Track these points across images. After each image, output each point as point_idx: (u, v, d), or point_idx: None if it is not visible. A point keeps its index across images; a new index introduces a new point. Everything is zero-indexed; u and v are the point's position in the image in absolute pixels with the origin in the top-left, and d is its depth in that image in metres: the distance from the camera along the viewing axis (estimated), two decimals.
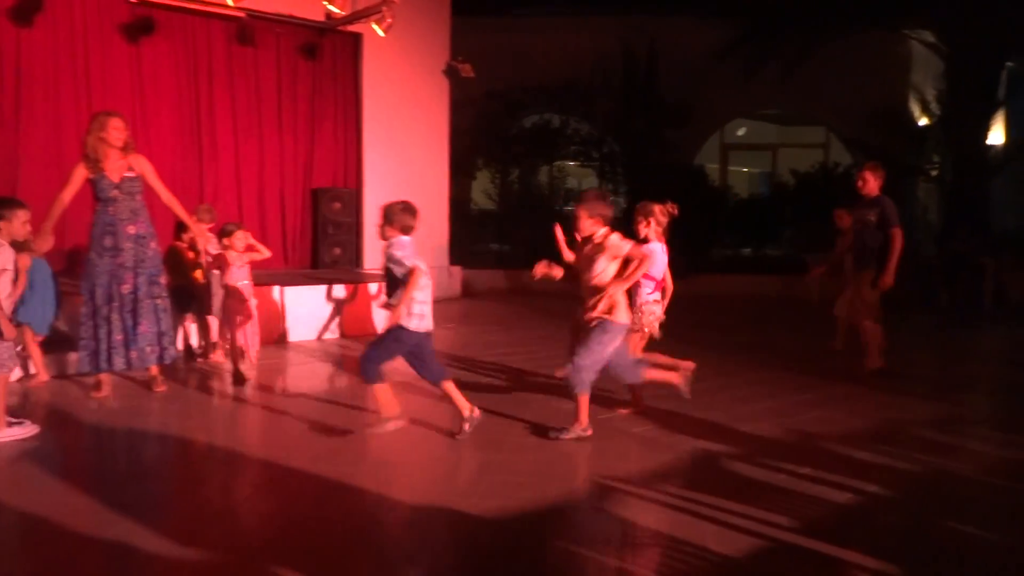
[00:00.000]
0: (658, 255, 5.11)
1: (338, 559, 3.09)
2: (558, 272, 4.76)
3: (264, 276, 7.50)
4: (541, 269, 4.78)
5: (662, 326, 5.24)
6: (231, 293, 5.94)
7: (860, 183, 6.52)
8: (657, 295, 5.20)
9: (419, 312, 4.50)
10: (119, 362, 5.31)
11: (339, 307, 8.17)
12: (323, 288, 8.12)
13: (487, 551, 3.23)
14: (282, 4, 9.49)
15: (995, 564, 3.19)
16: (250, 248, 6.10)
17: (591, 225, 4.62)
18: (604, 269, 4.56)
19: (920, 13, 13.62)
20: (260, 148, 9.96)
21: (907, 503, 3.80)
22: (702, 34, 14.27)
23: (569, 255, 4.90)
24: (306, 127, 10.34)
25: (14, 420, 4.48)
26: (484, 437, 4.70)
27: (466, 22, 12.02)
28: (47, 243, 5.14)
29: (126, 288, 5.28)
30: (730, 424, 5.02)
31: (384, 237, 4.64)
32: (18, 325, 5.03)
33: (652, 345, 5.25)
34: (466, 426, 4.60)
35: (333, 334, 8.07)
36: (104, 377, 5.45)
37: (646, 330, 5.14)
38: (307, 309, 7.95)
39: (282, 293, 7.79)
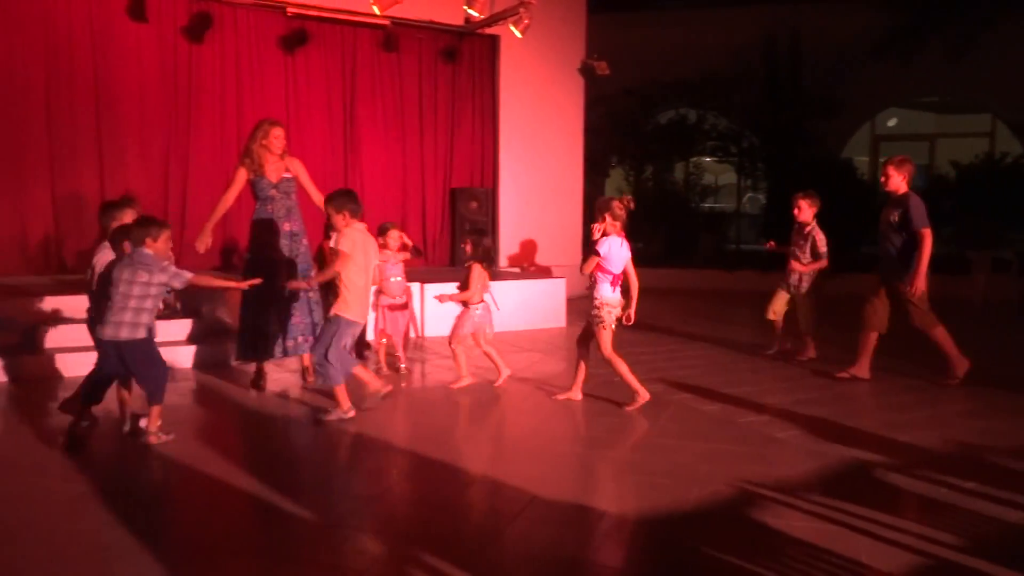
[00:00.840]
0: (615, 250, 5.10)
1: (477, 549, 3.16)
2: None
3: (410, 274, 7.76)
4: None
5: (625, 320, 5.19)
6: (384, 289, 6.20)
7: (883, 179, 6.05)
8: (617, 290, 5.19)
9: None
10: (275, 351, 5.67)
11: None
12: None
13: (621, 552, 3.21)
14: (424, 10, 9.80)
15: None
16: (404, 247, 6.37)
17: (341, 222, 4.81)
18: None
19: None
20: (402, 150, 10.36)
21: None
22: (850, 19, 13.51)
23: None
24: (445, 128, 10.66)
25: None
26: (618, 436, 4.67)
27: (601, 19, 11.95)
28: (207, 241, 5.57)
29: (281, 282, 5.63)
30: (883, 432, 4.73)
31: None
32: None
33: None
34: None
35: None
36: (264, 365, 5.83)
37: (612, 326, 5.17)
38: (444, 306, 8.16)
39: (422, 290, 8.05)
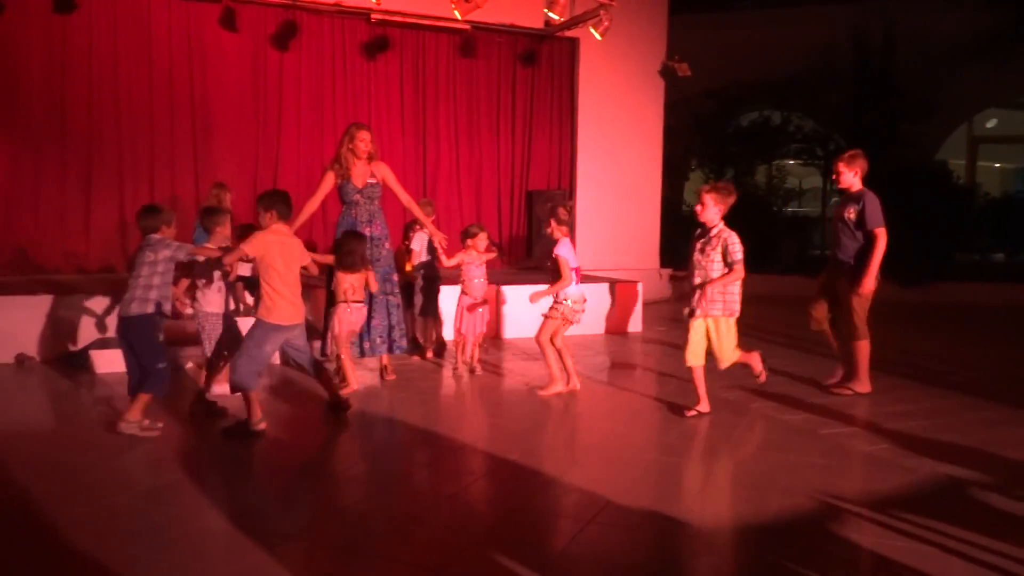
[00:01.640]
0: (569, 248, 5.61)
1: (550, 552, 3.15)
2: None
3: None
4: None
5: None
6: (466, 290, 6.28)
7: (833, 176, 5.69)
8: (578, 285, 5.58)
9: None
10: (353, 350, 5.78)
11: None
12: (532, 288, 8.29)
13: (696, 562, 3.14)
14: (504, 14, 9.87)
15: None
16: (489, 249, 6.44)
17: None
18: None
19: None
20: (479, 153, 10.46)
21: None
22: (946, 16, 12.92)
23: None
24: (522, 131, 10.71)
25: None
26: (694, 444, 4.58)
27: (683, 20, 11.79)
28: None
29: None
30: (980, 448, 4.48)
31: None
32: None
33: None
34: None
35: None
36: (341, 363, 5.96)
37: (572, 319, 5.58)
38: (521, 307, 8.18)
39: (498, 292, 8.09)
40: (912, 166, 13.12)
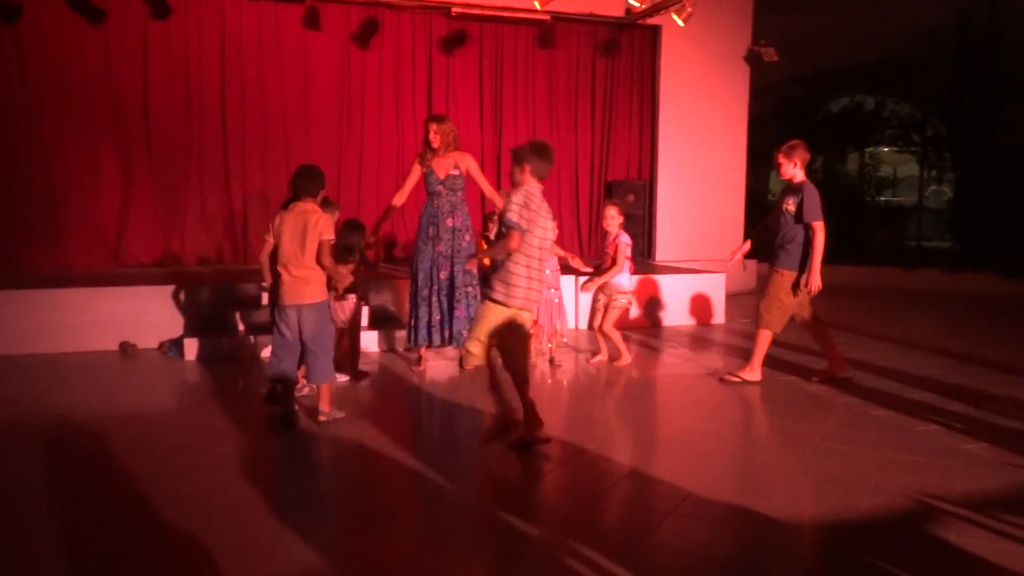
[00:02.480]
0: (626, 237, 6.31)
1: (628, 542, 3.13)
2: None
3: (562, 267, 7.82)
4: None
5: None
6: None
7: (775, 168, 5.51)
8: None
9: None
10: (435, 339, 5.88)
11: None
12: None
13: (784, 558, 3.06)
14: (584, 3, 9.79)
15: None
16: (560, 240, 6.45)
17: None
18: None
19: None
20: (558, 144, 10.40)
21: None
22: None
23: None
24: (602, 121, 10.62)
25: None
26: (780, 437, 4.46)
27: (769, 3, 11.41)
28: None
29: (443, 275, 5.83)
30: None
31: None
32: None
33: None
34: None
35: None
36: (424, 352, 6.08)
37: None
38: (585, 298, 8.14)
39: (576, 282, 8.06)
40: (1015, 151, 12.38)
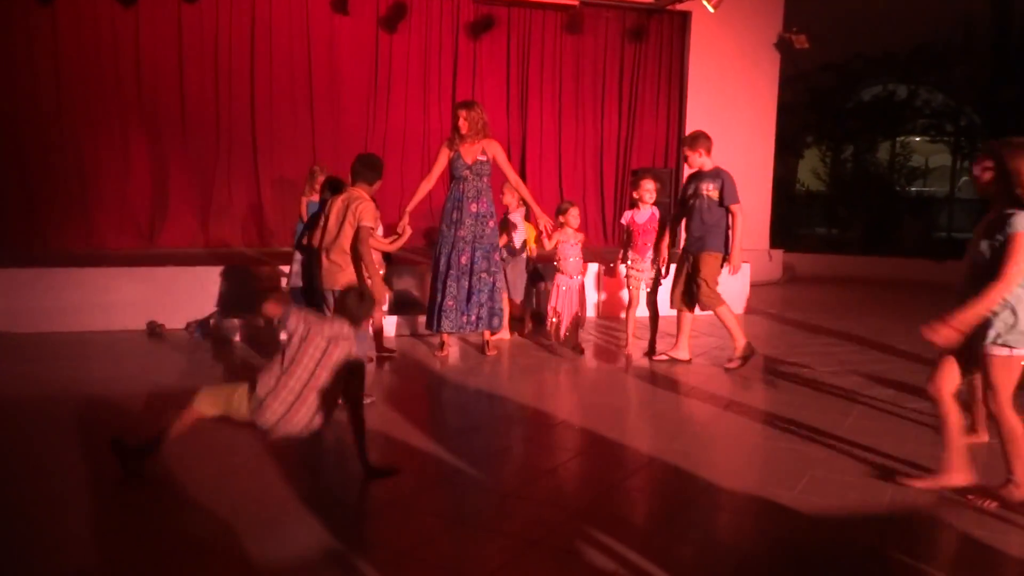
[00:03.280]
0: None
1: (647, 531, 3.13)
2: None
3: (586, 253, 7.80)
4: None
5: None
6: (562, 269, 6.26)
7: (684, 162, 5.79)
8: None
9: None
10: (448, 325, 5.84)
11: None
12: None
13: (804, 550, 3.03)
14: None
15: None
16: (582, 227, 6.43)
17: None
18: None
19: None
20: (584, 130, 10.37)
21: None
22: None
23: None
24: (628, 108, 10.56)
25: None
26: (804, 429, 4.42)
27: None
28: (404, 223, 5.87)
29: (464, 259, 5.82)
30: None
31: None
32: None
33: None
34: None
35: (643, 312, 8.14)
36: (447, 338, 6.10)
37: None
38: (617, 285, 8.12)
39: (599, 270, 8.04)
40: None
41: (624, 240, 6.35)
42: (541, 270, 7.34)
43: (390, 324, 6.77)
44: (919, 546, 3.04)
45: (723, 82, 10.59)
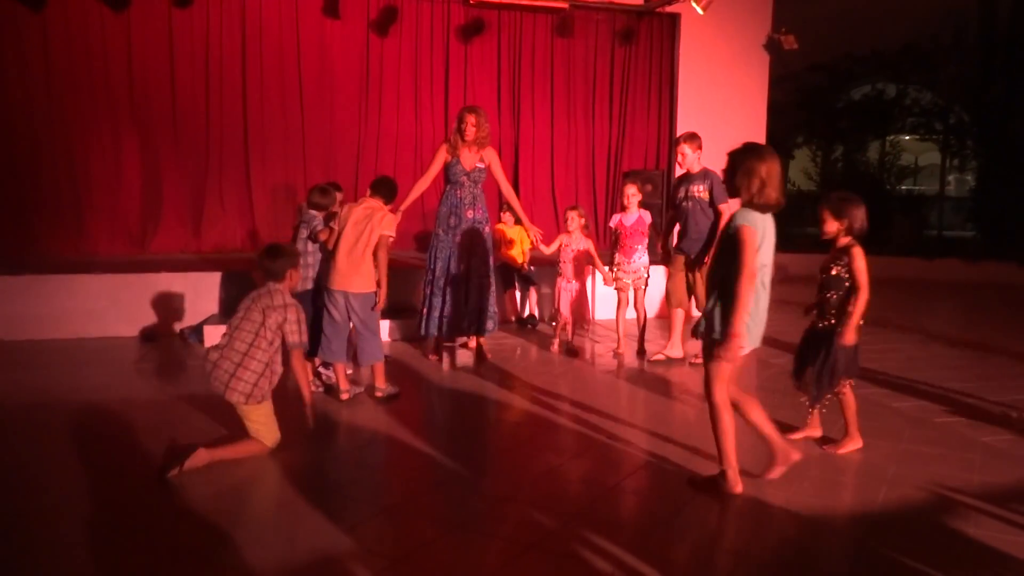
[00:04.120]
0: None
1: (643, 532, 3.14)
2: None
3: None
4: None
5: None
6: (564, 271, 6.30)
7: (678, 163, 5.95)
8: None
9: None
10: (449, 329, 5.87)
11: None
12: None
13: (799, 550, 3.05)
14: None
15: None
16: (588, 231, 6.48)
17: None
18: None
19: None
20: (575, 133, 10.39)
21: None
22: None
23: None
24: (619, 110, 10.57)
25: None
26: (800, 429, 4.43)
27: None
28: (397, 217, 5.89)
29: (459, 265, 5.82)
30: None
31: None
32: None
33: None
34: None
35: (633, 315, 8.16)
36: (438, 342, 6.09)
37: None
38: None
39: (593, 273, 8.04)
40: None
41: (612, 243, 6.39)
42: (531, 275, 7.39)
43: (383, 328, 6.75)
44: (913, 544, 3.06)
45: (713, 83, 10.62)
